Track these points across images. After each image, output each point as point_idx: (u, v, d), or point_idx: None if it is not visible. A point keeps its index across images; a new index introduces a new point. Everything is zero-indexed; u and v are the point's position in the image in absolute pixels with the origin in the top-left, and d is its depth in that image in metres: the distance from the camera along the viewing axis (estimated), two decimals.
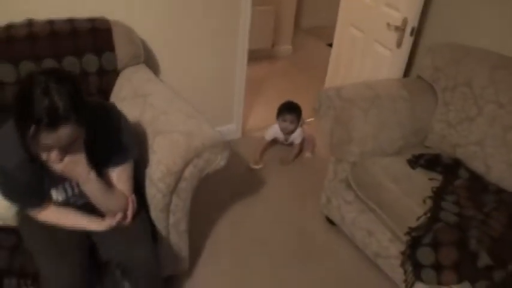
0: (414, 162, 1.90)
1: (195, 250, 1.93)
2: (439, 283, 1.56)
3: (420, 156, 1.94)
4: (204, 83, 2.49)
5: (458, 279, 1.52)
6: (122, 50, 1.87)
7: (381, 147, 1.92)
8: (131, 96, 1.76)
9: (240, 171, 2.53)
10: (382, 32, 2.28)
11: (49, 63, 1.73)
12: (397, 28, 2.16)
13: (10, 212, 1.47)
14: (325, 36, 4.45)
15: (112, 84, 1.89)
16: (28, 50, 1.70)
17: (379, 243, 1.84)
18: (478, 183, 1.82)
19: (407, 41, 2.13)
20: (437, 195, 1.71)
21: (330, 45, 4.20)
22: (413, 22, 2.09)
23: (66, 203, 1.36)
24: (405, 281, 1.71)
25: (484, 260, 1.46)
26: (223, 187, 2.36)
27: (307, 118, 2.89)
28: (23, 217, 1.41)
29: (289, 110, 2.66)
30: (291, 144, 2.76)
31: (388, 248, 1.80)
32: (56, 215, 1.34)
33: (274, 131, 2.72)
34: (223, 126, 2.69)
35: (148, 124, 1.55)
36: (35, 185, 1.27)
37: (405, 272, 1.70)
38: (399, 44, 2.15)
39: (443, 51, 2.03)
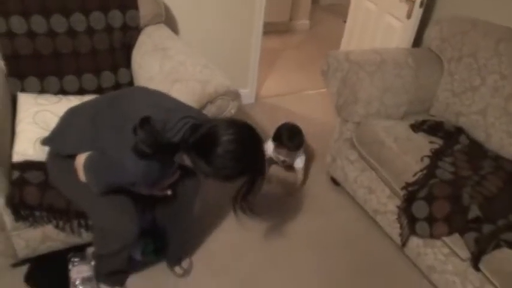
0: (417, 127, 2.00)
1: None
2: (431, 235, 1.67)
3: (423, 122, 2.03)
4: (221, 47, 2.60)
5: (449, 231, 1.63)
6: (145, 8, 1.99)
7: (385, 111, 2.02)
8: (151, 50, 1.89)
9: None
10: (393, 3, 2.36)
11: (77, 17, 1.86)
12: (407, 0, 2.23)
13: (32, 147, 1.61)
14: (343, 13, 4.48)
15: (134, 40, 2.02)
16: (59, 5, 1.83)
17: (379, 200, 1.95)
18: (477, 150, 1.90)
19: (417, 12, 2.20)
20: (435, 155, 1.81)
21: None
22: None
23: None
24: (401, 234, 1.82)
25: (474, 212, 1.56)
26: None
27: (307, 90, 2.86)
28: (64, 171, 1.46)
29: (289, 140, 2.16)
30: (288, 167, 2.34)
31: (387, 204, 1.91)
32: None
33: (269, 149, 2.25)
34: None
35: (167, 74, 1.68)
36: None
37: (401, 226, 1.82)
38: (409, 15, 2.23)
39: (451, 23, 2.09)
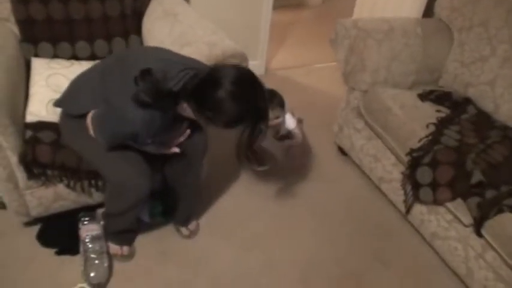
0: (424, 96, 1.99)
1: None
2: (435, 201, 1.69)
3: (431, 91, 2.02)
4: (231, 18, 2.60)
5: (452, 197, 1.64)
6: None
7: (393, 79, 2.02)
8: (162, 16, 1.91)
9: None
10: None
11: None
12: None
13: (45, 108, 1.66)
14: None
15: (145, 7, 2.04)
16: None
17: (384, 168, 1.96)
18: (485, 120, 1.89)
19: None
20: (441, 123, 1.81)
21: None
22: None
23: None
24: (405, 201, 1.85)
25: (477, 177, 1.57)
26: None
27: (320, 63, 2.83)
28: (77, 130, 1.50)
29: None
30: (286, 138, 2.13)
31: (392, 172, 1.92)
32: None
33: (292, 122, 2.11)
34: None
35: (177, 37, 1.70)
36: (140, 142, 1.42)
37: (405, 192, 1.84)
38: None
39: None
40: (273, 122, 1.99)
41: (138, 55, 1.42)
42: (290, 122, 2.13)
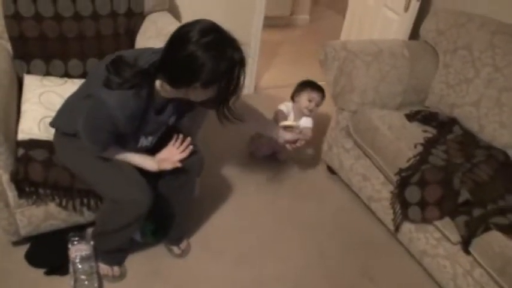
0: (411, 116, 2.05)
1: None
2: (423, 219, 1.73)
3: (418, 112, 2.08)
4: None
5: (440, 215, 1.68)
6: None
7: (381, 100, 2.07)
8: (156, 35, 1.93)
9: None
10: None
11: (84, 1, 1.89)
12: None
13: (37, 126, 1.66)
14: (343, 9, 4.53)
15: (138, 26, 2.06)
16: None
17: (373, 187, 2.00)
18: (470, 139, 1.95)
19: (414, 5, 2.26)
20: (429, 143, 1.86)
21: None
22: None
23: (140, 148, 1.50)
24: (393, 219, 1.88)
25: (464, 196, 1.61)
26: (229, 137, 2.54)
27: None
28: (72, 149, 1.50)
29: (318, 89, 2.26)
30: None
31: (381, 191, 1.96)
32: (115, 153, 1.47)
33: (286, 108, 2.31)
34: None
35: None
36: (124, 133, 1.37)
37: (394, 211, 1.87)
38: (406, 9, 2.29)
39: (447, 16, 2.15)
40: (309, 106, 2.21)
41: (110, 55, 1.41)
42: (308, 122, 2.24)
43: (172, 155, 1.50)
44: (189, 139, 1.51)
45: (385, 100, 2.08)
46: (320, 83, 2.28)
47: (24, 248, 1.73)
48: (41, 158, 1.57)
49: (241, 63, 1.23)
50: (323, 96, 2.26)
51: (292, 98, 2.31)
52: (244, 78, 1.28)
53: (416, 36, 2.43)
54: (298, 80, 2.32)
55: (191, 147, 1.50)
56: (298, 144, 1.87)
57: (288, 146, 1.89)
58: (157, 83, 1.30)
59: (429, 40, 2.19)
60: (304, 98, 2.23)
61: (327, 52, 2.08)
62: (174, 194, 1.67)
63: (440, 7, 2.36)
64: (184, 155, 1.49)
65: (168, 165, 1.49)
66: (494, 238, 1.50)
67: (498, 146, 1.89)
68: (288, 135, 1.85)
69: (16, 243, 1.73)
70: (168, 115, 1.47)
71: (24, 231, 1.67)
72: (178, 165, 1.48)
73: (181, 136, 1.51)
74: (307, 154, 2.52)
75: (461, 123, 2.03)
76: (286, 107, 2.30)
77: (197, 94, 1.28)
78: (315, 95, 2.22)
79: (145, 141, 1.49)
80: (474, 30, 2.01)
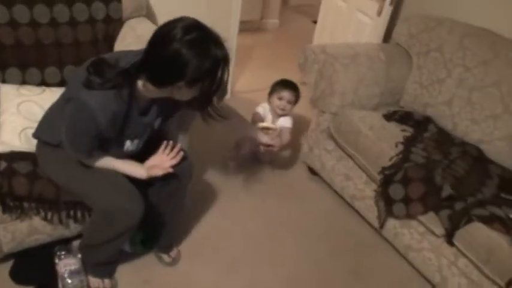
0: (389, 116, 2.13)
1: None
2: (408, 215, 1.80)
3: (395, 112, 2.17)
4: None
5: (424, 210, 1.76)
6: (127, 0, 2.00)
7: (359, 102, 2.14)
8: (136, 42, 1.89)
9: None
10: (364, 2, 2.50)
11: (61, 8, 1.85)
12: None
13: (17, 138, 1.60)
14: (311, 13, 4.67)
15: (117, 32, 2.02)
16: None
17: (356, 186, 2.06)
18: (445, 137, 2.05)
19: (387, 10, 2.35)
20: (408, 142, 1.94)
21: (315, 22, 4.43)
22: None
23: (126, 153, 1.47)
24: (378, 217, 1.94)
25: (446, 190, 1.70)
26: (213, 143, 2.53)
27: None
28: (56, 160, 1.46)
29: (287, 86, 2.29)
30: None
31: (364, 190, 2.02)
32: (103, 161, 1.43)
33: (261, 110, 2.35)
34: None
35: None
36: (108, 137, 1.34)
37: (378, 209, 1.94)
38: (379, 13, 2.37)
39: (418, 20, 2.25)
40: (281, 105, 2.26)
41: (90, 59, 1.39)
42: (288, 121, 2.31)
43: (162, 162, 1.48)
44: (179, 145, 1.51)
45: (364, 101, 2.16)
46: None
47: (7, 265, 1.65)
48: (24, 171, 1.51)
49: (225, 60, 1.24)
50: (295, 94, 2.29)
51: (268, 100, 2.36)
52: (228, 75, 1.29)
53: (388, 39, 2.54)
54: (271, 83, 2.36)
55: (182, 153, 1.49)
56: (273, 148, 1.92)
57: (261, 148, 1.94)
58: (140, 83, 1.29)
59: (402, 43, 2.29)
60: (275, 97, 2.29)
61: (306, 55, 2.13)
62: (165, 201, 1.65)
63: (409, 11, 2.47)
64: (175, 161, 1.48)
65: (158, 172, 1.47)
66: (476, 229, 1.59)
67: (471, 141, 2.00)
68: (264, 138, 1.89)
69: None
70: (153, 117, 1.45)
71: (7, 248, 1.59)
72: (170, 170, 1.47)
73: (171, 142, 1.50)
74: (283, 157, 2.54)
75: (436, 121, 2.13)
76: (263, 108, 2.34)
77: (181, 93, 1.27)
78: (284, 93, 2.26)
79: (130, 146, 1.46)
80: (444, 33, 2.12)
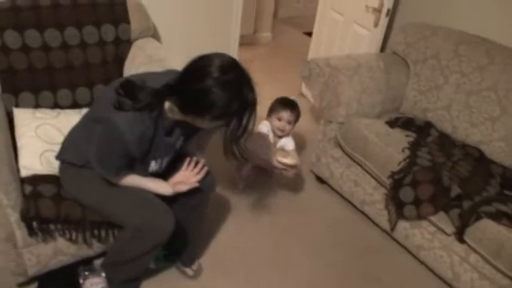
0: (392, 123, 2.22)
1: None
2: (419, 216, 1.88)
3: (397, 119, 2.26)
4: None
5: (435, 210, 1.84)
6: (135, 22, 2.05)
7: (363, 110, 2.23)
8: (148, 62, 1.95)
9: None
10: (360, 13, 2.60)
11: (71, 31, 1.89)
12: (374, 10, 2.48)
13: (38, 161, 1.62)
14: (301, 25, 4.82)
15: (126, 53, 2.07)
16: (53, 19, 1.85)
17: (365, 191, 2.13)
18: (446, 140, 2.15)
19: (383, 21, 2.45)
20: (413, 147, 2.03)
21: (306, 33, 4.56)
22: (388, 4, 2.41)
23: (151, 172, 1.51)
24: (389, 220, 2.02)
25: (455, 190, 1.79)
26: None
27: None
28: (82, 181, 1.50)
29: (287, 106, 2.22)
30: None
31: (373, 194, 2.10)
32: (129, 179, 1.47)
33: (265, 129, 2.25)
34: None
35: None
36: (135, 157, 1.38)
37: (389, 212, 2.01)
38: (376, 24, 2.47)
39: (414, 29, 2.36)
40: (281, 126, 2.21)
41: (115, 81, 1.44)
42: (289, 144, 2.25)
43: (187, 178, 1.53)
44: (202, 161, 1.56)
45: (367, 110, 2.24)
46: (292, 97, 2.33)
47: None
48: (50, 194, 1.54)
49: (253, 104, 1.27)
50: (295, 113, 2.24)
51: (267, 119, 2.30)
52: (255, 118, 1.30)
53: (384, 48, 2.64)
54: (270, 96, 2.31)
55: (206, 168, 1.54)
56: (287, 173, 2.02)
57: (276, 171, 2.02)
58: (167, 105, 1.33)
59: (399, 52, 2.39)
60: (274, 117, 2.24)
61: (310, 68, 2.21)
62: (188, 216, 1.69)
63: (403, 20, 2.58)
64: (200, 176, 1.53)
65: (184, 187, 1.51)
66: (486, 226, 1.67)
67: (472, 143, 2.10)
68: (279, 165, 1.98)
69: (21, 285, 1.66)
70: (176, 137, 1.50)
71: (32, 271, 1.61)
72: (197, 185, 1.52)
73: (194, 159, 1.55)
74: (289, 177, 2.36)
75: (436, 126, 2.23)
76: (266, 127, 2.26)
77: (204, 123, 1.32)
78: (283, 114, 2.20)
79: (155, 166, 1.50)
80: (440, 41, 2.23)
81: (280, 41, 4.46)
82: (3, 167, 1.43)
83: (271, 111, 2.26)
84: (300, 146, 2.68)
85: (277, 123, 2.23)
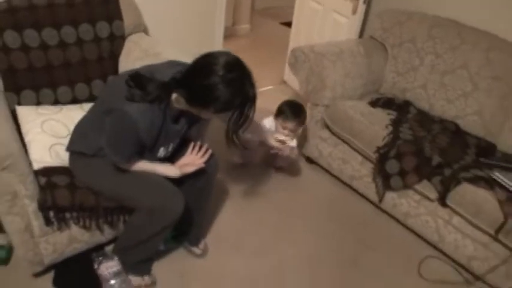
0: (374, 103, 2.39)
1: None
2: (405, 186, 2.05)
3: (378, 99, 2.43)
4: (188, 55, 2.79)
5: (419, 179, 2.01)
6: (128, 18, 2.13)
7: (347, 93, 2.39)
8: (143, 56, 2.03)
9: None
10: (338, 2, 2.75)
11: (68, 29, 1.95)
12: None
13: (48, 154, 1.70)
14: (278, 16, 4.96)
15: (120, 49, 2.14)
16: (49, 18, 1.90)
17: (353, 167, 2.30)
18: (425, 116, 2.33)
19: (361, 8, 2.61)
20: (395, 123, 2.20)
21: (283, 23, 4.68)
22: None
23: (158, 158, 1.60)
24: (377, 192, 2.18)
25: (436, 160, 1.96)
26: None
27: (266, 86, 3.09)
28: (94, 169, 1.58)
29: (293, 115, 2.21)
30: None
31: (360, 170, 2.26)
32: (140, 165, 1.56)
33: (268, 125, 2.30)
34: None
35: None
36: (146, 144, 1.48)
37: (376, 185, 2.18)
38: (354, 11, 2.63)
39: (390, 15, 2.53)
40: (288, 133, 2.20)
41: (123, 73, 1.54)
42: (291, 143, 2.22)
43: (193, 160, 1.64)
44: (206, 145, 1.67)
45: (350, 93, 2.40)
46: (268, 88, 2.39)
47: (47, 277, 1.74)
48: (64, 183, 1.61)
49: (254, 99, 1.38)
50: (299, 121, 2.24)
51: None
52: (254, 112, 1.42)
53: (362, 34, 2.80)
54: (259, 85, 2.41)
55: (210, 150, 1.66)
56: (282, 153, 2.07)
57: (271, 151, 2.09)
58: (174, 95, 1.43)
59: (377, 37, 2.56)
60: (279, 122, 2.25)
61: (296, 56, 2.34)
62: (195, 197, 1.79)
63: (380, 8, 2.73)
64: (206, 158, 1.64)
65: (190, 168, 1.63)
66: (465, 189, 1.86)
67: (448, 118, 2.29)
68: (275, 143, 2.04)
69: (37, 275, 1.74)
70: (182, 125, 1.60)
71: (48, 260, 1.68)
72: (203, 165, 1.63)
73: (198, 143, 1.66)
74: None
75: (414, 104, 2.41)
76: (269, 123, 2.31)
77: (208, 115, 1.44)
78: (288, 124, 2.21)
79: (163, 152, 1.60)
80: (415, 25, 2.41)
81: (259, 32, 4.58)
82: (20, 160, 1.50)
83: (279, 114, 2.27)
84: None
85: (281, 130, 2.23)
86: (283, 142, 2.08)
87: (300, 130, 2.37)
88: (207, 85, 1.30)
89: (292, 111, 2.23)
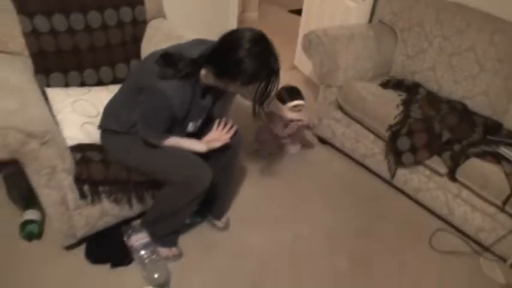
0: (384, 84, 2.48)
1: None
2: (416, 162, 2.15)
3: (388, 81, 2.52)
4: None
5: (430, 155, 2.11)
6: (149, 4, 2.22)
7: (358, 75, 2.48)
8: (167, 39, 2.12)
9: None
10: None
11: (93, 14, 2.03)
12: None
13: (80, 132, 1.79)
14: (285, 4, 5.02)
15: (142, 33, 2.23)
16: (76, 4, 1.98)
17: (365, 146, 2.40)
18: (433, 97, 2.42)
19: None
20: (406, 103, 2.29)
21: (291, 11, 4.75)
22: None
23: (187, 133, 1.70)
24: (389, 169, 2.29)
25: (446, 136, 2.06)
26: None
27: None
28: (127, 145, 1.67)
29: (297, 95, 2.37)
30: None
31: (373, 148, 2.36)
32: (170, 140, 1.65)
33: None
34: None
35: None
36: (177, 120, 1.56)
37: (388, 161, 2.28)
38: None
39: (398, 0, 2.61)
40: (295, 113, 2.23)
41: (151, 53, 1.63)
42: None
43: (219, 136, 1.74)
44: (231, 121, 1.76)
45: (361, 74, 2.49)
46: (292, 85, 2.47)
47: (77, 251, 1.84)
48: (97, 159, 1.71)
49: (277, 72, 1.48)
50: (302, 97, 2.38)
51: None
52: (278, 85, 1.52)
53: (371, 18, 2.87)
54: None
55: (235, 126, 1.75)
56: (303, 123, 2.17)
57: (293, 125, 2.20)
58: (203, 71, 1.52)
59: (387, 21, 2.64)
60: (291, 108, 2.28)
61: (310, 39, 2.42)
62: (220, 171, 1.87)
63: None
64: (231, 133, 1.74)
65: (217, 144, 1.71)
66: (473, 164, 1.96)
67: (456, 99, 2.38)
68: (293, 115, 2.16)
69: (68, 248, 1.84)
70: (208, 100, 1.69)
71: (80, 233, 1.78)
72: (228, 140, 1.72)
73: (223, 119, 1.76)
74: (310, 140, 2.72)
75: (423, 85, 2.50)
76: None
77: (235, 88, 1.52)
78: (297, 102, 2.32)
79: (192, 127, 1.69)
80: (423, 9, 2.49)
81: (267, 20, 4.65)
82: (58, 136, 1.60)
83: (286, 102, 2.32)
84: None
85: (297, 112, 2.26)
86: (296, 106, 2.24)
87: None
88: (234, 59, 1.39)
89: (295, 91, 2.38)
